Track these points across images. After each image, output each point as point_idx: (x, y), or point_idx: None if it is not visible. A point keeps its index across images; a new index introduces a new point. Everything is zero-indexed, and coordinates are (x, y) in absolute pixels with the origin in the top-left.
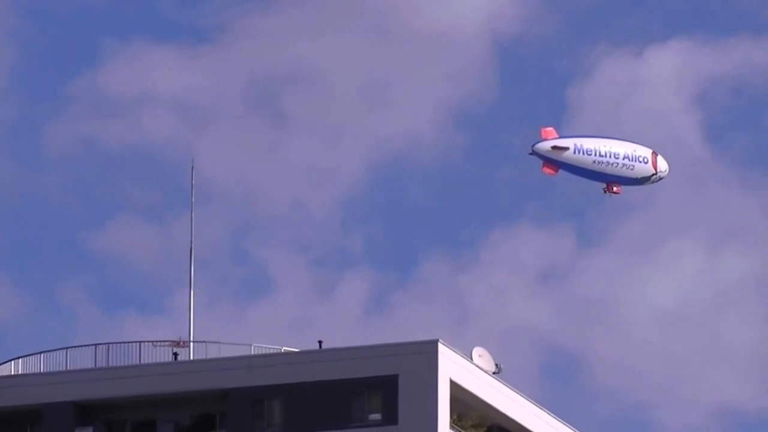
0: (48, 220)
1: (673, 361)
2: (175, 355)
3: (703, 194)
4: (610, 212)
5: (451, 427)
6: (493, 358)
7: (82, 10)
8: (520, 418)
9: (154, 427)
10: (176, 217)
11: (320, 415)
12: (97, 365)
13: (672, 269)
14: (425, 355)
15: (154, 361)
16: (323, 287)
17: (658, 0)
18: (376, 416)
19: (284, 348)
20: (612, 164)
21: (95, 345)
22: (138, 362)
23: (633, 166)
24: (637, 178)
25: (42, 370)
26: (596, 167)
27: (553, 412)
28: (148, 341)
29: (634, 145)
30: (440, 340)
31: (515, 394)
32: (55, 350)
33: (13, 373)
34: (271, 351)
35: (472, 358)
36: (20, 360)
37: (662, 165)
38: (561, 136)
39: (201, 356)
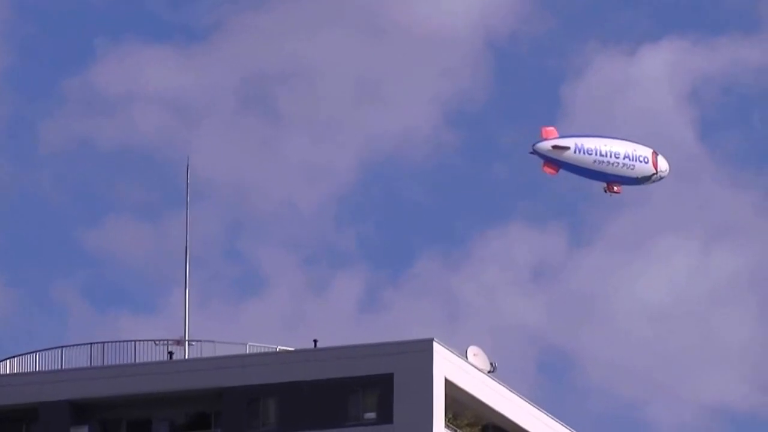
0: (42, 219)
1: (666, 358)
2: (170, 354)
3: (696, 192)
4: (602, 210)
5: (446, 425)
6: (488, 357)
7: (77, 9)
8: (516, 416)
9: (150, 426)
10: (171, 216)
11: (315, 414)
12: (93, 364)
13: (664, 266)
14: (420, 353)
15: (149, 360)
16: (316, 285)
17: None
18: (371, 415)
19: (279, 347)
20: (612, 164)
21: (90, 344)
22: (133, 361)
23: (633, 165)
24: (637, 178)
25: (37, 369)
26: (597, 167)
27: (547, 411)
28: (149, 340)
29: (635, 144)
30: (435, 339)
31: (510, 392)
32: (50, 349)
33: (8, 372)
34: (266, 350)
35: (467, 357)
36: (15, 359)
37: (663, 165)
38: (561, 136)
39: (196, 355)
